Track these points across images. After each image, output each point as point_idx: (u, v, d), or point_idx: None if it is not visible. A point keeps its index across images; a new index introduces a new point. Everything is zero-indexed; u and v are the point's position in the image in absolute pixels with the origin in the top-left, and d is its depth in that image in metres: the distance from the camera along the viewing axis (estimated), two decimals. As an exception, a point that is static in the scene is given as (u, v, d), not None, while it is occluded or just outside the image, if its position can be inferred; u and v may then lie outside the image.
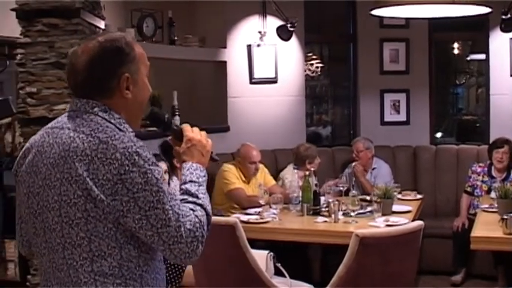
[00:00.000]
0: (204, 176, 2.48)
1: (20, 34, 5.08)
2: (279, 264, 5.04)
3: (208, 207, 2.37)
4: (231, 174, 6.73)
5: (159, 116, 2.56)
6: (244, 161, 6.80)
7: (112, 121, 2.27)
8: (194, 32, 7.78)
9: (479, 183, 7.25)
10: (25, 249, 2.46)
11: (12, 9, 4.96)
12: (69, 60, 2.35)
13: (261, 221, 5.74)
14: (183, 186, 2.39)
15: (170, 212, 2.17)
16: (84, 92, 2.30)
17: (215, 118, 8.00)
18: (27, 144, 2.36)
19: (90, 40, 2.33)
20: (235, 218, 5.03)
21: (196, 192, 2.37)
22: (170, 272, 5.31)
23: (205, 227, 2.29)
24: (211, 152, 2.61)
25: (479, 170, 7.30)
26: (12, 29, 5.58)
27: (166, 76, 7.95)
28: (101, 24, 5.52)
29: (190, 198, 2.34)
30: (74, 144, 2.17)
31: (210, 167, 6.98)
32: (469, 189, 7.34)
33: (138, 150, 2.17)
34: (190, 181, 2.40)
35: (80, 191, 2.13)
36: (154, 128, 6.52)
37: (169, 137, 2.59)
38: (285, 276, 5.04)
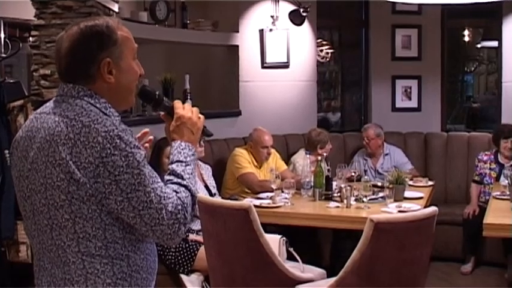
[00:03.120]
0: (193, 155, 2.46)
1: (34, 16, 5.08)
2: (291, 249, 5.05)
3: (194, 188, 2.37)
4: (243, 158, 6.72)
5: (149, 93, 2.54)
6: (257, 146, 6.79)
7: (97, 105, 2.29)
8: (206, 16, 7.76)
9: (487, 171, 7.25)
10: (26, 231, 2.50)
11: (26, -7, 4.95)
12: (55, 45, 2.37)
13: (273, 205, 5.74)
14: (169, 167, 2.41)
15: (152, 194, 2.20)
16: (69, 77, 2.32)
17: (227, 102, 8.00)
18: (19, 131, 2.39)
19: (74, 25, 2.32)
20: (249, 202, 5.02)
21: (182, 173, 2.37)
22: (182, 256, 5.33)
23: (189, 209, 2.31)
24: (205, 127, 2.59)
25: (485, 158, 7.30)
26: (23, 11, 5.59)
27: (178, 60, 7.96)
28: (115, 7, 5.52)
29: (175, 179, 2.35)
30: (58, 129, 2.20)
31: (221, 151, 6.99)
32: (477, 178, 7.35)
33: (119, 133, 2.19)
34: (178, 161, 2.41)
35: (62, 174, 2.17)
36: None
37: (162, 113, 2.57)
38: (297, 261, 5.05)
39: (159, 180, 2.27)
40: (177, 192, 2.29)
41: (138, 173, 2.18)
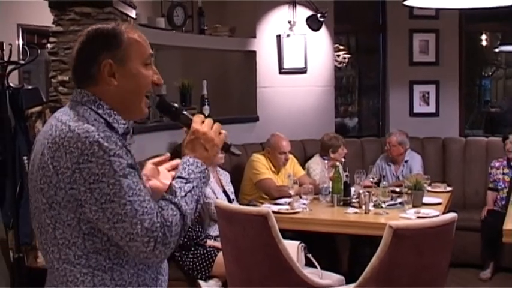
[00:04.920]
0: (200, 173, 2.29)
1: (52, 23, 5.10)
2: (309, 255, 5.03)
3: (186, 207, 2.20)
4: (261, 164, 6.71)
5: (167, 105, 2.44)
6: (274, 151, 6.78)
7: (100, 111, 2.24)
8: (224, 22, 7.77)
9: (500, 176, 7.31)
10: None
11: (46, -1, 4.97)
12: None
13: (291, 211, 5.73)
14: (171, 181, 2.30)
15: (128, 207, 2.08)
16: (75, 80, 2.30)
17: (244, 108, 8.01)
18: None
19: (87, 28, 2.32)
20: (267, 208, 5.01)
21: (177, 190, 2.22)
22: (200, 262, 5.32)
23: (174, 228, 2.15)
24: (230, 146, 2.43)
25: (497, 164, 7.38)
26: (42, 18, 5.60)
27: (196, 65, 7.99)
28: (132, 13, 5.52)
29: (167, 196, 2.21)
30: (50, 132, 2.17)
31: (239, 157, 6.99)
32: (491, 185, 7.42)
33: (99, 140, 2.09)
34: (179, 177, 2.27)
35: (44, 177, 2.13)
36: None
37: (185, 129, 2.42)
38: (315, 267, 5.03)
39: (144, 193, 2.14)
40: (162, 209, 2.15)
41: (113, 183, 2.08)
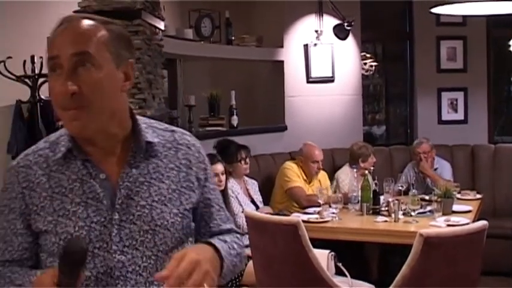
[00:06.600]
0: None
1: (83, 36, 5.12)
2: (340, 264, 5.02)
3: None
4: (292, 172, 6.73)
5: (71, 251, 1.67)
6: (307, 160, 6.80)
7: (62, 131, 2.01)
8: (251, 32, 7.81)
9: None
10: None
11: (75, 12, 5.00)
12: None
13: (321, 220, 5.72)
14: None
15: None
16: None
17: (272, 117, 8.03)
18: None
19: None
20: (297, 217, 5.02)
21: None
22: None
23: None
24: None
25: None
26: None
27: (224, 76, 8.02)
28: (161, 25, 5.57)
29: None
30: None
31: (268, 166, 6.96)
32: None
33: (9, 170, 1.96)
34: None
35: None
36: (215, 128, 6.47)
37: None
38: (345, 276, 5.03)
39: None
40: None
41: None
